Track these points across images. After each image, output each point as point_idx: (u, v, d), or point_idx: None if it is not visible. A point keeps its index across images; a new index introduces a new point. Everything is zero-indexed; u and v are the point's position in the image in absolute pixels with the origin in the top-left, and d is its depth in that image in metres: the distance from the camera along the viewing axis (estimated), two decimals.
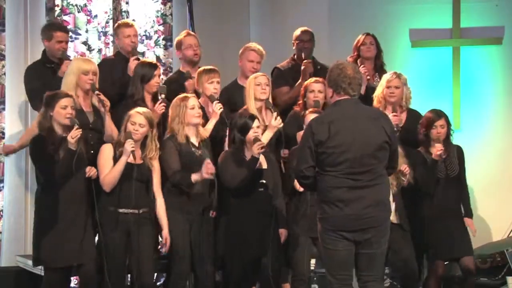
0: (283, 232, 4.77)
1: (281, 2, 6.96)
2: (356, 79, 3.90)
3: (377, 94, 5.26)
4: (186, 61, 5.49)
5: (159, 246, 4.98)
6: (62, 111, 4.38)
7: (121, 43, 5.48)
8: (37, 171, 4.62)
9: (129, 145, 4.42)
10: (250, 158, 4.55)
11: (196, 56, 5.45)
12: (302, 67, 5.44)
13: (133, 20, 6.35)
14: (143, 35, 6.50)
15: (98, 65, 5.38)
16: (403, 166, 4.83)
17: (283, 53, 5.92)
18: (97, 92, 4.77)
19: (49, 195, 4.48)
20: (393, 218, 4.78)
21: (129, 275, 4.76)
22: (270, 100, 5.09)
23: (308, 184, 3.99)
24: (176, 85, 5.25)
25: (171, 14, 6.66)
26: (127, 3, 6.48)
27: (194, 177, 4.54)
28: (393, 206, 4.84)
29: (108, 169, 4.50)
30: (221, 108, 4.85)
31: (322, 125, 3.87)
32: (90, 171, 4.47)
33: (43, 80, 5.17)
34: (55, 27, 5.48)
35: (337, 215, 3.84)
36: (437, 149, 4.94)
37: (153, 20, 6.63)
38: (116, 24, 5.69)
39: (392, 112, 5.06)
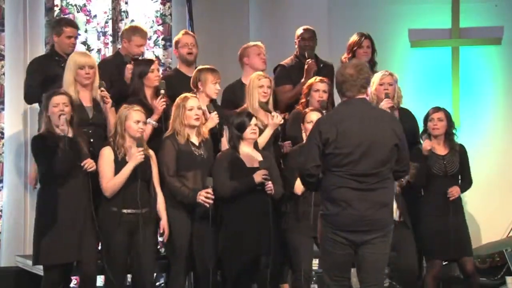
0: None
1: (280, 2, 6.96)
2: (367, 73, 3.91)
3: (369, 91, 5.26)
4: (181, 60, 5.52)
5: (159, 246, 5.04)
6: (54, 109, 4.43)
7: (128, 47, 5.47)
8: (39, 167, 4.64)
9: (139, 154, 4.45)
10: (248, 178, 4.61)
11: (190, 55, 5.47)
12: (306, 66, 5.47)
13: (132, 20, 6.42)
14: None
15: (98, 66, 5.35)
16: None
17: (283, 53, 5.95)
18: (101, 88, 4.81)
19: (49, 192, 4.50)
20: (396, 216, 4.82)
21: (129, 275, 4.77)
22: (271, 100, 5.15)
23: (312, 182, 3.98)
24: (172, 82, 5.26)
25: (170, 14, 6.68)
26: (126, 3, 6.52)
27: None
28: (395, 204, 4.85)
29: (109, 173, 4.51)
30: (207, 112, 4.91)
31: (330, 125, 3.87)
32: (86, 162, 4.44)
33: (47, 73, 5.22)
34: (64, 23, 5.52)
35: (339, 214, 3.85)
36: (426, 144, 5.04)
37: (153, 20, 6.65)
38: (129, 27, 5.72)
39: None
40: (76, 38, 5.50)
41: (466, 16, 6.61)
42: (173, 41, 5.66)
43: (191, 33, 5.68)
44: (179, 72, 5.47)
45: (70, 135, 4.43)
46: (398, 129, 3.91)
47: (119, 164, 4.50)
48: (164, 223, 4.65)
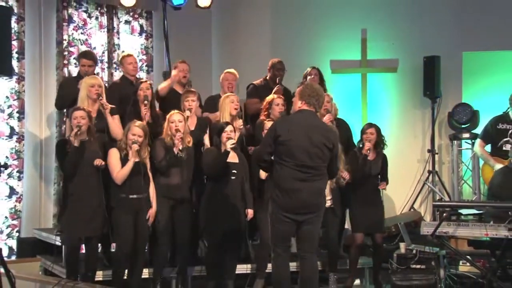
0: (249, 212, 5.20)
1: (234, 41, 7.75)
2: (322, 97, 4.49)
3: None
4: (177, 82, 6.04)
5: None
6: (74, 121, 4.98)
7: (125, 69, 6.03)
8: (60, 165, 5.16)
9: (135, 149, 4.94)
10: (223, 151, 5.09)
11: (184, 78, 6.04)
12: (275, 89, 6.08)
13: (123, 51, 7.03)
14: None
15: (108, 87, 5.87)
16: (345, 173, 5.45)
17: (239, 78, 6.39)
18: (100, 98, 5.32)
19: (69, 182, 5.04)
20: (329, 203, 5.50)
21: (113, 244, 5.31)
22: (242, 108, 5.74)
23: (265, 166, 4.52)
24: (167, 97, 5.91)
25: (152, 47, 7.45)
26: (118, 38, 7.23)
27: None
28: (330, 196, 5.53)
29: (117, 166, 4.97)
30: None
31: (283, 126, 4.33)
32: (97, 161, 4.92)
33: (73, 88, 5.63)
34: (80, 55, 6.15)
35: (287, 201, 4.31)
36: (366, 147, 5.61)
37: (138, 51, 7.39)
38: (121, 56, 6.16)
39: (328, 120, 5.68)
40: (90, 66, 5.95)
41: (372, 51, 7.47)
42: (171, 68, 6.13)
43: (186, 62, 6.09)
44: (174, 90, 6.06)
45: (80, 140, 4.80)
46: (333, 138, 4.41)
47: (123, 160, 5.01)
48: (152, 211, 5.04)
